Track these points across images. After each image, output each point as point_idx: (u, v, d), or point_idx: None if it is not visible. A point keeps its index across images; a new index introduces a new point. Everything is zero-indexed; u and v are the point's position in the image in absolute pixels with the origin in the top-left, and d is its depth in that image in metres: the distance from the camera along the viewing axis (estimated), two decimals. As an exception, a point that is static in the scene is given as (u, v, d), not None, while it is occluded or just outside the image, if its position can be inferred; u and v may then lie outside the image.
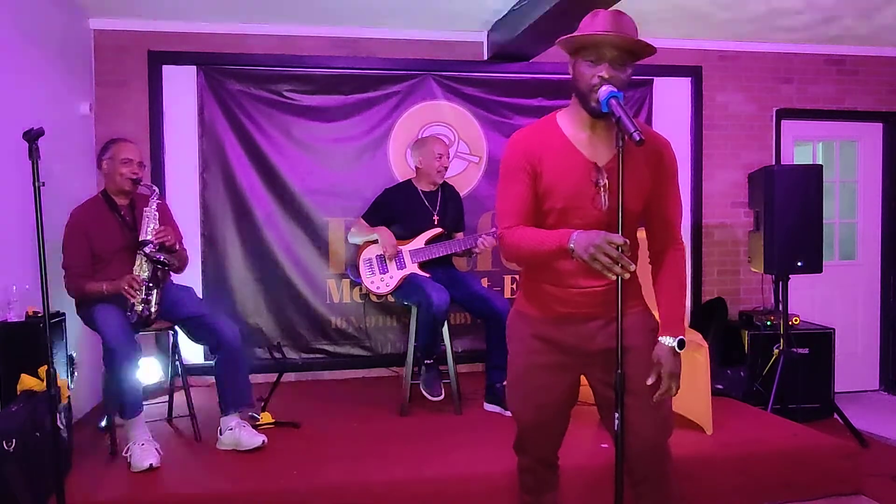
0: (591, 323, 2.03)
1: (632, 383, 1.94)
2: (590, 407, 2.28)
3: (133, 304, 3.16)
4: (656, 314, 2.12)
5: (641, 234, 2.11)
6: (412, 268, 3.88)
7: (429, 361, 3.86)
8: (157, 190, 3.35)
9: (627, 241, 1.76)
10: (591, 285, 1.98)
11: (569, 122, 2.02)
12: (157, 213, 3.29)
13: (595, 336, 2.03)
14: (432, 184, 4.03)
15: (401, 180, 4.42)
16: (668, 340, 2.00)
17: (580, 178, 1.95)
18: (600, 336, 2.02)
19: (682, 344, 2.00)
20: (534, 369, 2.10)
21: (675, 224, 2.10)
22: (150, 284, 3.21)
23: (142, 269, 3.23)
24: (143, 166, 3.40)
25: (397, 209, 3.99)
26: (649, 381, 1.96)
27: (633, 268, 1.77)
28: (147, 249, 3.21)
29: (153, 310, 3.22)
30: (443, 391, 3.83)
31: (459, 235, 4.06)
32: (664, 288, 2.09)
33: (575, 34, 1.91)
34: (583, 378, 2.15)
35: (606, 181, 1.94)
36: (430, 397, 3.81)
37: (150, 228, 3.26)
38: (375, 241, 3.92)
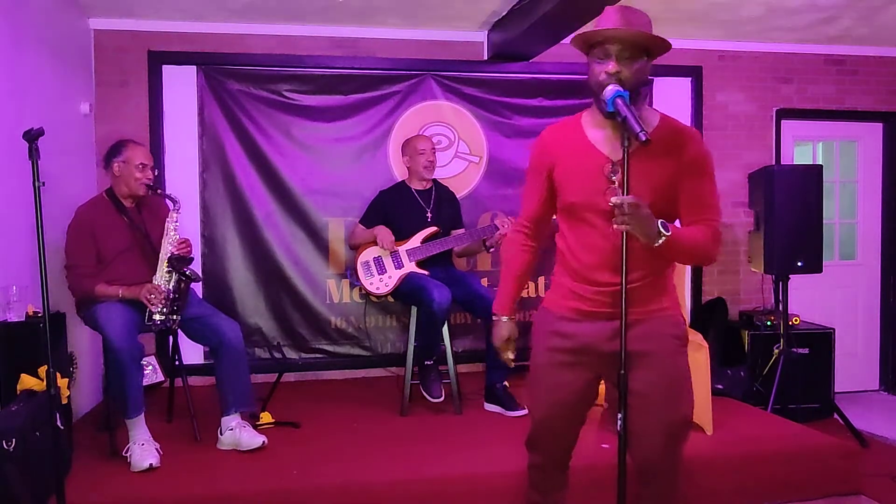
0: (610, 323, 1.97)
1: (644, 387, 1.92)
2: (591, 407, 2.28)
3: (152, 313, 3.18)
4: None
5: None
6: (410, 266, 3.88)
7: (429, 362, 3.86)
8: (179, 202, 3.35)
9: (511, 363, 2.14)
10: (613, 283, 1.92)
11: (589, 120, 2.04)
12: (178, 225, 3.32)
13: (613, 338, 1.96)
14: (424, 181, 4.05)
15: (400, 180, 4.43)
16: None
17: (593, 174, 1.96)
18: (618, 338, 1.94)
19: (663, 233, 1.81)
20: (551, 365, 2.09)
21: (707, 211, 1.97)
22: (176, 296, 3.23)
23: (167, 281, 3.25)
24: (154, 170, 3.42)
25: (391, 209, 4.00)
26: (613, 200, 1.78)
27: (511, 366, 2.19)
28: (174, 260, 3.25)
29: (175, 320, 3.24)
30: (443, 392, 3.83)
31: (458, 233, 4.07)
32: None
33: (582, 33, 1.92)
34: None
35: (620, 176, 1.92)
36: (429, 398, 3.81)
37: (173, 239, 3.28)
38: (373, 243, 3.92)
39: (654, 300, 2.01)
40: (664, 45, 1.90)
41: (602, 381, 2.19)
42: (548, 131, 2.12)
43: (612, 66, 1.88)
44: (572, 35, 1.95)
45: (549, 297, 2.16)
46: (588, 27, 2.02)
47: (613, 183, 1.93)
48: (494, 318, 2.23)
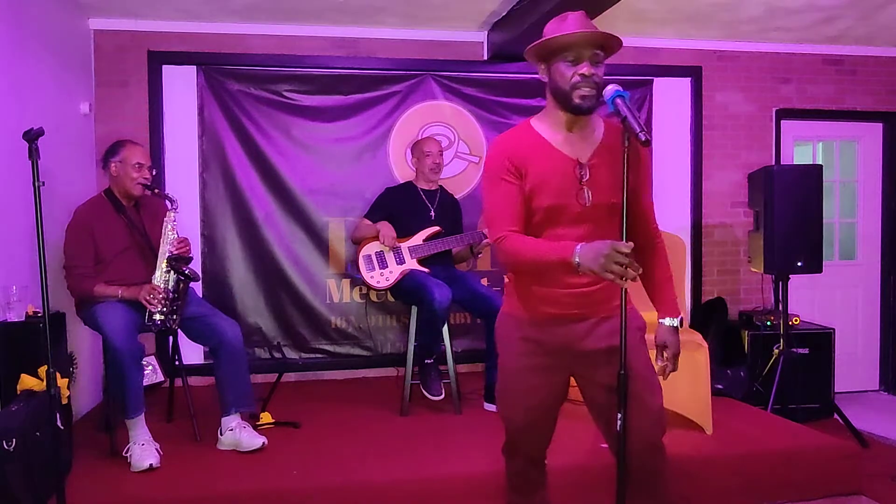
0: (580, 324, 2.03)
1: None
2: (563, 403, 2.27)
3: (152, 313, 3.18)
4: (643, 313, 2.13)
5: None
6: (411, 263, 3.88)
7: (429, 361, 3.87)
8: (177, 202, 3.34)
9: (632, 244, 1.78)
10: (580, 285, 1.99)
11: (544, 126, 2.05)
12: (176, 224, 3.31)
13: (584, 337, 2.03)
14: (430, 182, 4.08)
15: (400, 180, 4.45)
16: (669, 321, 2.09)
17: (565, 176, 1.99)
18: (589, 337, 2.03)
19: (681, 322, 2.09)
20: (523, 371, 2.10)
21: (651, 217, 2.15)
22: (176, 296, 3.23)
23: (166, 281, 3.24)
24: (152, 170, 3.41)
25: (397, 207, 4.03)
26: (660, 363, 2.06)
27: (640, 270, 1.80)
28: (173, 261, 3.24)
29: (175, 320, 3.24)
30: (443, 391, 3.84)
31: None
32: (654, 277, 2.13)
33: (550, 37, 1.94)
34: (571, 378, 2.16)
35: (588, 177, 1.98)
36: (430, 397, 3.82)
37: (171, 239, 3.27)
38: (376, 238, 3.94)
39: (616, 297, 2.02)
40: (619, 45, 1.97)
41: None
42: (505, 139, 2.06)
43: (586, 69, 1.92)
44: (538, 42, 1.95)
45: (512, 303, 2.14)
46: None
47: (583, 184, 1.98)
48: (575, 255, 1.82)
